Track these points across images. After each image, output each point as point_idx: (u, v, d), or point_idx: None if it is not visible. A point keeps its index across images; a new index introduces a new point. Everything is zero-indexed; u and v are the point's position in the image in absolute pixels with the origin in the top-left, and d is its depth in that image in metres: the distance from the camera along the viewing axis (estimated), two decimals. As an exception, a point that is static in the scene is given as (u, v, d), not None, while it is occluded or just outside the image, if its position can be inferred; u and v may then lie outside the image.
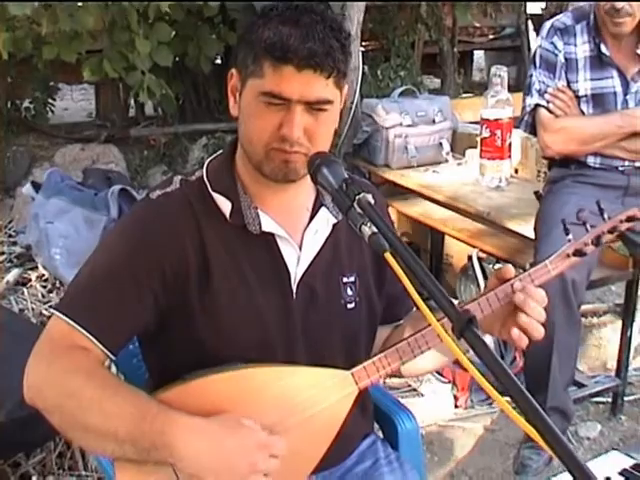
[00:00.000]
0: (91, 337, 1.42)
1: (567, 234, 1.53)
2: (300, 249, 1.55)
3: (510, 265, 1.54)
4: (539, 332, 1.46)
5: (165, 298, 1.46)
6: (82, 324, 1.42)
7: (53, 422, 1.39)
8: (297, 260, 1.55)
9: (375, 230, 1.25)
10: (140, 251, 1.46)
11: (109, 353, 1.44)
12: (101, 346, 1.43)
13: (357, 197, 1.30)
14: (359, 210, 1.29)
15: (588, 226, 1.53)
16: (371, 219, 1.27)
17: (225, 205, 1.51)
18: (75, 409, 1.36)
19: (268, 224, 1.51)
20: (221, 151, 1.62)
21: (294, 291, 1.54)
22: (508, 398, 1.07)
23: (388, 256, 1.21)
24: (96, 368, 1.41)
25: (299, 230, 1.56)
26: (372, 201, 1.31)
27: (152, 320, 1.47)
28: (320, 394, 1.45)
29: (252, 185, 1.53)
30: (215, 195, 1.52)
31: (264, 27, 1.42)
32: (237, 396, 1.41)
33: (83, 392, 1.36)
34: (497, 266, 3.83)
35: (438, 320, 1.15)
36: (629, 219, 1.55)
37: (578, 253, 1.53)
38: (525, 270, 1.54)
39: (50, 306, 3.33)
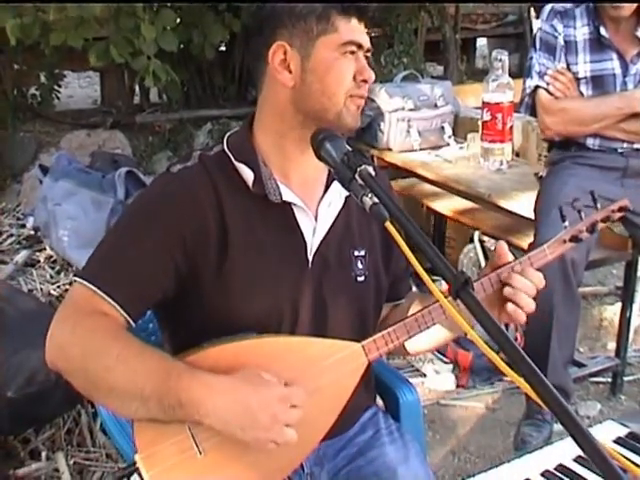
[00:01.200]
0: (113, 302, 1.44)
1: (563, 221, 1.59)
2: (316, 220, 1.59)
3: (503, 242, 1.58)
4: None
5: (185, 266, 1.49)
6: (104, 290, 1.44)
7: (76, 383, 1.41)
8: (313, 231, 1.58)
9: (376, 200, 1.28)
10: (162, 220, 1.49)
11: (129, 319, 1.47)
12: (122, 312, 1.45)
13: (358, 169, 1.33)
14: (360, 182, 1.32)
15: (582, 215, 1.59)
16: (372, 190, 1.29)
17: (248, 175, 1.55)
18: (100, 368, 1.38)
19: (288, 194, 1.55)
20: (238, 128, 1.66)
21: (310, 261, 1.58)
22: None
23: (389, 225, 1.24)
24: (119, 330, 1.43)
25: (314, 202, 1.60)
26: (373, 173, 1.34)
27: (172, 287, 1.50)
28: (333, 365, 1.48)
29: (274, 156, 1.57)
30: (238, 165, 1.56)
31: None
32: (253, 364, 1.41)
33: (109, 352, 1.38)
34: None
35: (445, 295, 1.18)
36: (620, 209, 1.62)
37: (574, 239, 1.59)
38: (524, 251, 1.59)
39: (58, 287, 3.37)
